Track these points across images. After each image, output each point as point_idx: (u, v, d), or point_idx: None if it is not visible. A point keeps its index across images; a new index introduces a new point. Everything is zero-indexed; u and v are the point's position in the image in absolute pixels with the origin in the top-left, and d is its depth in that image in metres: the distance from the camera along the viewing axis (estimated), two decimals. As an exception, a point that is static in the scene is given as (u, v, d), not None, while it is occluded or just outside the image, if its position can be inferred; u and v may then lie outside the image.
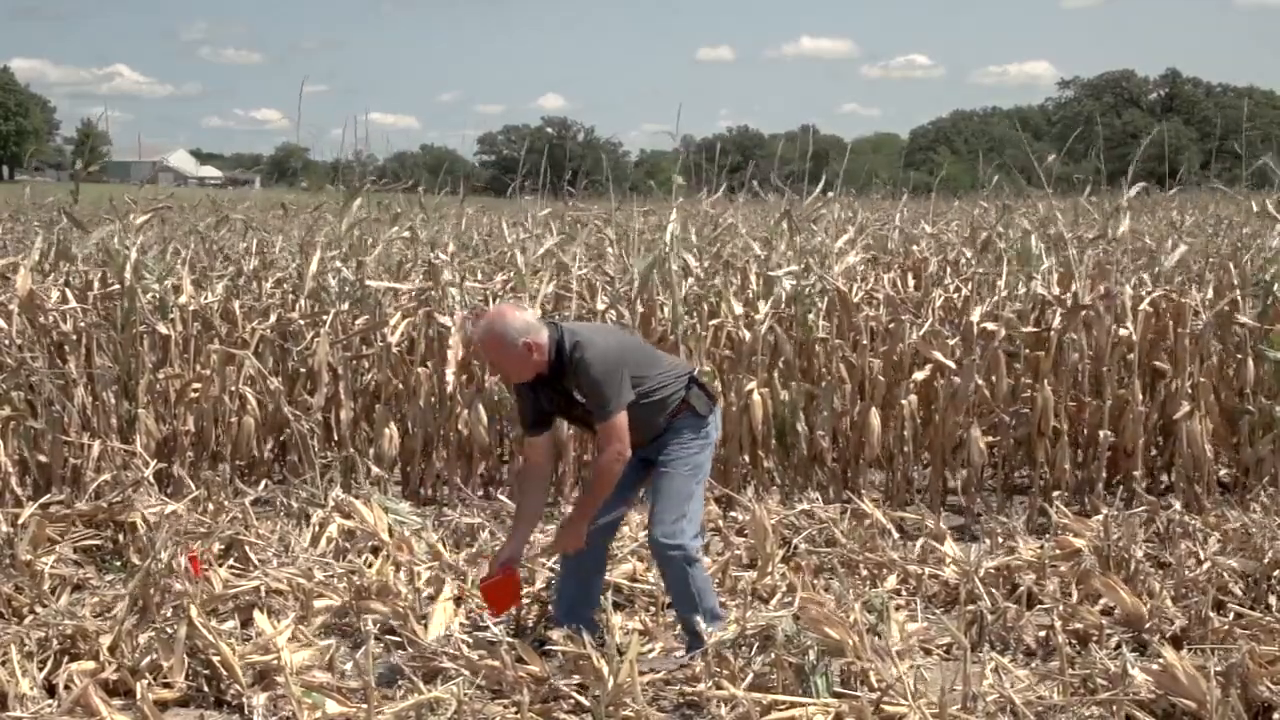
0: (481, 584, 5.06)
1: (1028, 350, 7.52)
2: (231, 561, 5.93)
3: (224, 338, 7.95)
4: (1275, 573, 5.45)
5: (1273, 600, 5.34)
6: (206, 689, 4.63)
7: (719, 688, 4.39)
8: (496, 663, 4.64)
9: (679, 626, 5.30)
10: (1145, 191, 9.87)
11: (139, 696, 4.32)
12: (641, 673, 4.49)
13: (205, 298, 8.20)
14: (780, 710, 4.27)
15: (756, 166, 11.24)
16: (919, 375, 7.51)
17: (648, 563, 5.86)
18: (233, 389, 7.57)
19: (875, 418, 7.36)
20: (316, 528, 6.29)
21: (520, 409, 5.10)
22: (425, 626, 5.16)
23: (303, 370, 7.94)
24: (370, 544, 6.08)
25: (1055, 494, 7.01)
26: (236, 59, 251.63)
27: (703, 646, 4.64)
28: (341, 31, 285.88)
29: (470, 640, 4.94)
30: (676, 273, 7.76)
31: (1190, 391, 7.33)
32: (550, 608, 5.30)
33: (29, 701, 4.33)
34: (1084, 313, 7.38)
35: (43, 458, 7.23)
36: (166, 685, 4.58)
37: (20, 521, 5.91)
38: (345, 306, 7.96)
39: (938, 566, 5.93)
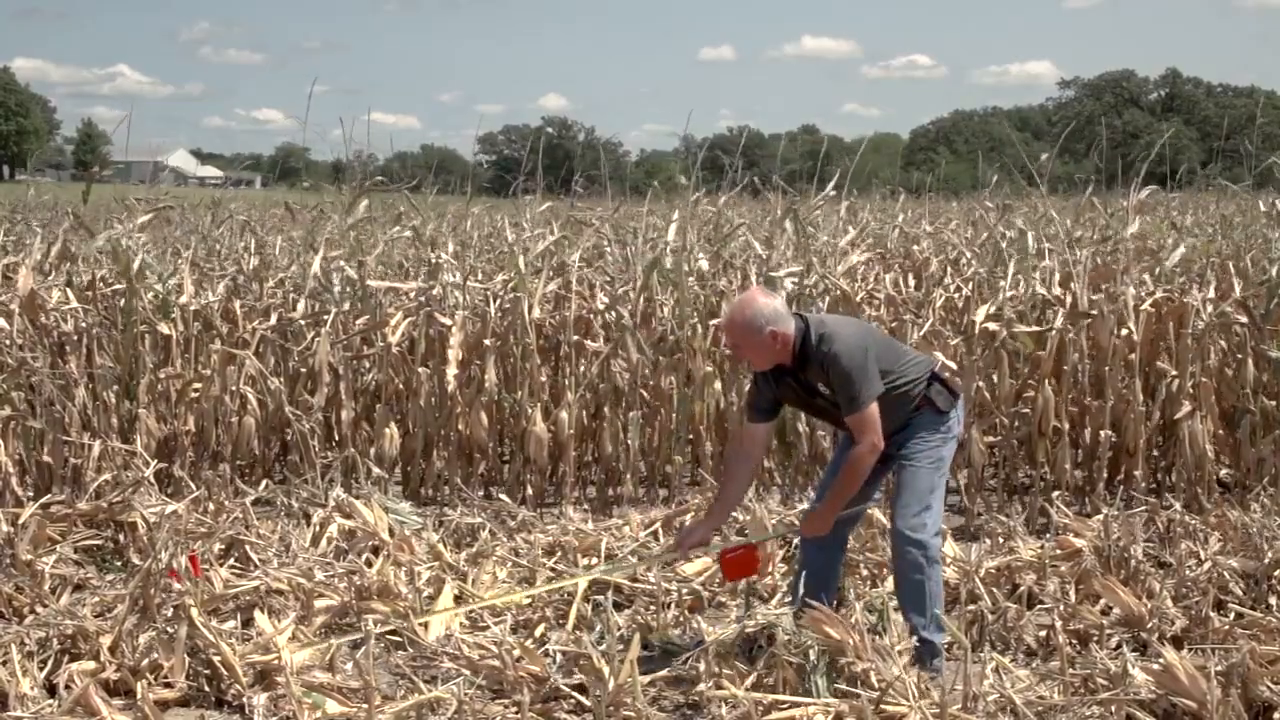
0: (722, 552, 5.10)
1: (1029, 351, 7.53)
2: (232, 561, 5.93)
3: (225, 337, 7.94)
4: (1276, 573, 5.45)
5: (1273, 600, 5.34)
6: (207, 689, 4.63)
7: (719, 688, 4.39)
8: (497, 663, 4.64)
9: (681, 625, 5.30)
10: (1157, 191, 9.88)
11: (139, 696, 4.32)
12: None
13: (206, 298, 8.20)
14: (780, 710, 4.27)
15: (755, 165, 11.24)
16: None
17: (648, 563, 5.85)
18: (233, 389, 7.57)
19: (876, 418, 7.35)
20: (317, 528, 6.29)
21: (751, 394, 5.10)
22: (425, 626, 5.17)
23: (303, 370, 7.93)
24: (371, 544, 6.08)
25: (1056, 494, 7.01)
26: (238, 59, 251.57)
27: (937, 655, 4.72)
28: (343, 32, 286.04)
29: (470, 640, 4.94)
30: (685, 272, 7.76)
31: (1191, 391, 7.33)
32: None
33: (29, 701, 4.32)
34: (1087, 321, 7.39)
35: (43, 458, 7.24)
36: (167, 685, 4.58)
37: (21, 521, 5.90)
38: (346, 306, 7.96)
39: (938, 566, 5.92)
